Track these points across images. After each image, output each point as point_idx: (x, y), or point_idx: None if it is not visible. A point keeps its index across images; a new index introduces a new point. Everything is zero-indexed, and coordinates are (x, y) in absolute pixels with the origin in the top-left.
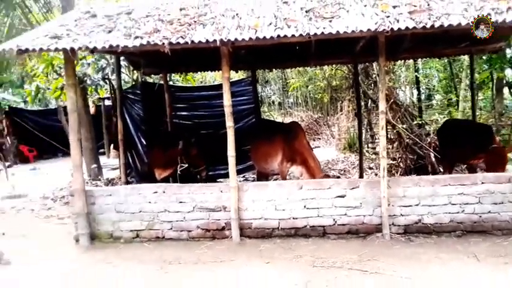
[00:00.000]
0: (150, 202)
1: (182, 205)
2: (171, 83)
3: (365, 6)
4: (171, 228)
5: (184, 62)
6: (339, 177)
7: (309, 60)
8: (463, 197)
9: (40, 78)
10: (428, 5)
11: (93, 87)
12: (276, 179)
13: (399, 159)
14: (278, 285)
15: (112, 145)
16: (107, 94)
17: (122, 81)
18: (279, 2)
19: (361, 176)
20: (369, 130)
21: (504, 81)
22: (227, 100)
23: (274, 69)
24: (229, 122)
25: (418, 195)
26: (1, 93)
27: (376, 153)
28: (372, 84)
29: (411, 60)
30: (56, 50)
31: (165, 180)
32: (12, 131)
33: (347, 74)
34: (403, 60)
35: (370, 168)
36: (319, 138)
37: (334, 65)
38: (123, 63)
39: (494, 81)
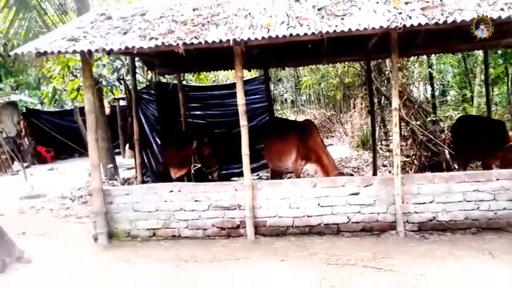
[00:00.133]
0: (166, 201)
1: (197, 204)
2: (184, 82)
3: (377, 3)
4: (187, 227)
5: (198, 61)
6: (352, 175)
7: (322, 57)
8: (478, 194)
9: (57, 79)
10: (441, 0)
11: (109, 88)
12: (289, 177)
13: (413, 157)
14: (293, 283)
15: (127, 145)
16: (122, 95)
17: (136, 82)
18: (291, 1)
19: (374, 174)
20: (382, 127)
21: None
22: (241, 99)
23: (286, 68)
24: (243, 121)
25: (432, 193)
26: (18, 94)
27: (390, 151)
28: (385, 81)
29: (424, 56)
30: (74, 52)
31: (180, 179)
32: (29, 132)
33: (360, 71)
34: (416, 56)
35: (384, 165)
36: (332, 136)
37: (346, 62)
38: (137, 63)
39: (510, 76)
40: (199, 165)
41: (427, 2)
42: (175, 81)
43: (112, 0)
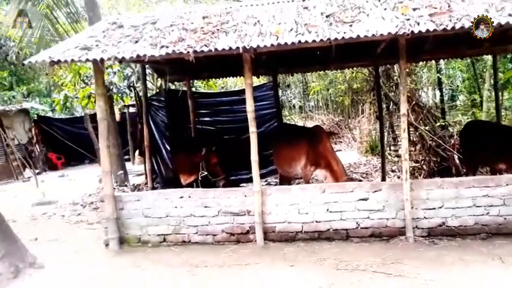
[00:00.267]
0: (176, 207)
1: (207, 209)
2: (193, 89)
3: (385, 9)
4: (197, 233)
5: (207, 68)
6: (361, 180)
7: (330, 63)
8: (487, 199)
9: (68, 87)
10: (449, 6)
11: (119, 95)
12: (298, 183)
13: (422, 162)
14: None
15: (137, 151)
16: (132, 101)
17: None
18: (300, 8)
19: (383, 179)
20: (390, 132)
21: None
22: (250, 106)
23: (295, 73)
24: (253, 128)
25: (441, 198)
26: (29, 102)
27: (399, 156)
28: (394, 86)
29: (433, 61)
30: (87, 60)
31: (190, 185)
32: (41, 139)
33: (368, 76)
34: (424, 62)
35: (393, 171)
36: (341, 142)
37: (354, 68)
38: (147, 71)
39: None
40: (206, 173)
41: (435, 8)
42: (185, 88)
43: (122, 8)
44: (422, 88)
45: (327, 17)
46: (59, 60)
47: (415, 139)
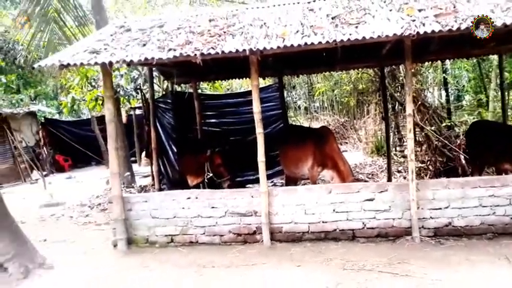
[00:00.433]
0: (183, 208)
1: (214, 210)
2: (199, 91)
3: (390, 10)
4: (204, 233)
5: (214, 70)
6: (367, 181)
7: (336, 64)
8: (493, 199)
9: (75, 90)
10: (455, 7)
11: (126, 97)
12: (304, 184)
13: (428, 162)
14: None
15: (143, 153)
16: (138, 104)
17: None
18: (305, 10)
19: (389, 180)
20: (396, 133)
21: None
22: (256, 107)
23: (300, 75)
24: (259, 129)
25: (447, 198)
26: (37, 105)
27: (405, 156)
28: (399, 87)
29: (439, 61)
30: (96, 64)
31: (197, 186)
32: (48, 141)
33: (373, 77)
34: (430, 62)
35: (399, 171)
36: (346, 142)
37: (360, 69)
38: (154, 73)
39: None
40: (211, 174)
41: (441, 9)
42: (191, 90)
43: (128, 12)
44: (428, 88)
45: (332, 18)
46: (69, 64)
47: (421, 139)
